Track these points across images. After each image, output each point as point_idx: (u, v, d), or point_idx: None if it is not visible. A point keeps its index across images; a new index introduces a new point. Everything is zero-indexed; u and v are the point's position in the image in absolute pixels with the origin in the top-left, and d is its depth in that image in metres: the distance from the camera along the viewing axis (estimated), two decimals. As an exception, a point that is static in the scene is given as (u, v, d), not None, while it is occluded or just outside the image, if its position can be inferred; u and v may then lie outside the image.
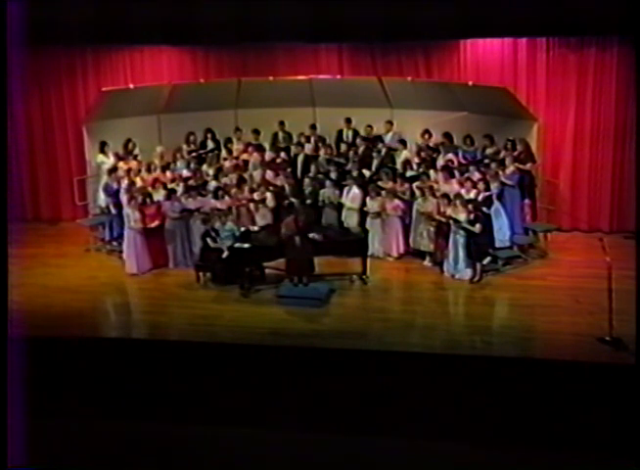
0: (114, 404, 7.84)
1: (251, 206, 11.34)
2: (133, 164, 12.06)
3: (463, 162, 11.64)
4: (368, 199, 11.27)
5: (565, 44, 11.75)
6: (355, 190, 11.40)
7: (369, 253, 10.76)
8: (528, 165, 11.31)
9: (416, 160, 11.84)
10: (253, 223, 11.20)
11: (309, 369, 8.06)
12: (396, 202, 11.10)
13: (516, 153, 11.32)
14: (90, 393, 7.95)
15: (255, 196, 11.38)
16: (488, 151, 11.68)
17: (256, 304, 9.82)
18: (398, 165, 11.94)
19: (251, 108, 12.75)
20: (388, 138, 12.48)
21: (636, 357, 7.66)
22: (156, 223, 10.94)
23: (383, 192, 11.22)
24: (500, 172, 11.02)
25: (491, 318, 9.62)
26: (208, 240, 10.45)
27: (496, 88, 11.58)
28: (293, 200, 11.29)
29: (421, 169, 11.53)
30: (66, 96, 13.33)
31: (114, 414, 7.71)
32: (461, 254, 10.27)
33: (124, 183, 11.47)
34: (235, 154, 12.46)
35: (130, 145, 12.31)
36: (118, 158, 12.15)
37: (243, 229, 10.77)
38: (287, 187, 11.65)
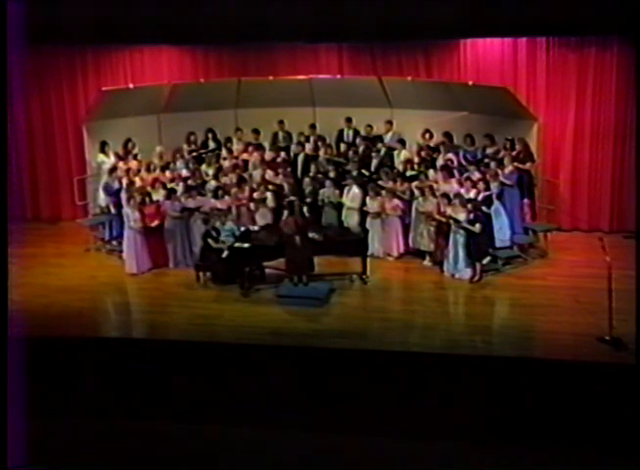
0: (114, 404, 7.83)
1: (252, 205, 11.36)
2: (133, 163, 12.06)
3: (463, 161, 11.64)
4: (368, 198, 11.27)
5: (565, 44, 11.75)
6: (355, 190, 11.40)
7: (369, 252, 10.76)
8: (527, 165, 11.31)
9: (416, 159, 11.84)
10: (254, 223, 11.21)
11: (309, 369, 8.06)
12: (396, 201, 11.10)
13: (514, 152, 11.32)
14: (90, 392, 7.94)
15: (255, 195, 11.40)
16: (489, 150, 11.67)
17: (256, 303, 9.81)
18: (398, 165, 11.94)
19: (250, 107, 12.75)
20: (387, 138, 12.47)
21: (636, 357, 7.66)
22: (155, 223, 10.94)
23: (382, 192, 11.22)
24: (499, 172, 11.03)
25: (491, 318, 9.63)
26: (210, 240, 10.45)
27: (496, 88, 11.57)
28: (292, 199, 11.30)
29: (421, 169, 11.54)
30: (66, 96, 13.31)
31: (113, 414, 7.70)
32: (461, 253, 10.26)
33: (125, 183, 11.48)
34: (235, 153, 12.47)
35: (130, 145, 12.29)
36: (119, 157, 12.16)
37: (243, 229, 10.78)
38: (287, 187, 11.65)
